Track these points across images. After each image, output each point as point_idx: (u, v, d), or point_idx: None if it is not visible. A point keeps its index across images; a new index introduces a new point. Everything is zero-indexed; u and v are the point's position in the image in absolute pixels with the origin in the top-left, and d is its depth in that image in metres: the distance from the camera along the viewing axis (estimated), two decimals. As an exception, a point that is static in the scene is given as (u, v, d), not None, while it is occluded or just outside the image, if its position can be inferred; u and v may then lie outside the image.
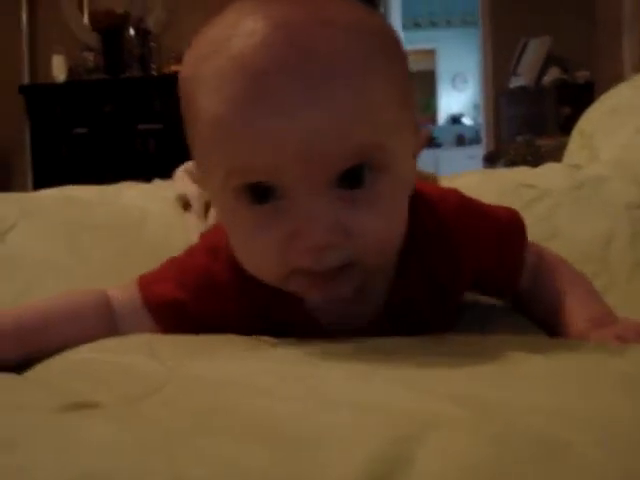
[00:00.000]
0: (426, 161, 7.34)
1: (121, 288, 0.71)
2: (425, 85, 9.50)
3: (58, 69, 4.87)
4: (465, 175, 1.38)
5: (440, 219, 0.68)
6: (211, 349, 0.55)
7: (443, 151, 9.06)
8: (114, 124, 4.65)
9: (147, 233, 1.07)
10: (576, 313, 0.67)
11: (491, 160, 4.77)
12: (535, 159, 3.82)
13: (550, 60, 5.28)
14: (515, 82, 5.54)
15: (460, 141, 9.12)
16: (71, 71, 4.88)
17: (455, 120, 9.43)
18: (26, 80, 5.02)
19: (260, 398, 0.38)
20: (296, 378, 0.42)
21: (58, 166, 4.66)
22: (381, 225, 0.57)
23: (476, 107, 8.48)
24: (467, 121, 9.31)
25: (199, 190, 1.12)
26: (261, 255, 0.57)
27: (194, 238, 1.08)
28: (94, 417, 0.35)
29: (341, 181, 0.55)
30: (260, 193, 0.55)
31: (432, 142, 9.20)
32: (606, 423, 0.32)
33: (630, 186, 0.98)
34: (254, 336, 0.60)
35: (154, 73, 4.82)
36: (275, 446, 0.31)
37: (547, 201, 1.00)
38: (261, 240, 0.56)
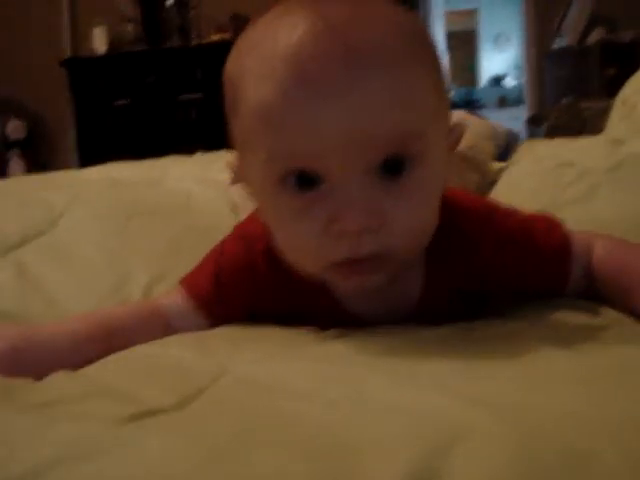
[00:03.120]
0: (468, 124, 7.19)
1: (166, 295, 0.74)
2: (466, 46, 9.39)
3: (99, 41, 4.91)
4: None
5: (476, 243, 0.69)
6: (258, 344, 0.57)
7: (485, 113, 8.94)
8: (156, 94, 4.68)
9: (193, 218, 1.10)
10: None
11: (534, 123, 4.71)
12: (579, 124, 3.77)
13: (594, 19, 5.18)
14: (559, 42, 5.45)
15: (502, 102, 9.01)
16: (112, 43, 4.91)
17: (497, 81, 9.32)
18: (68, 53, 5.06)
19: (303, 403, 0.40)
20: (338, 380, 0.44)
21: (102, 138, 4.72)
22: (415, 214, 0.58)
23: (519, 67, 8.35)
24: (510, 82, 9.18)
25: None
26: (301, 243, 0.59)
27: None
28: (152, 428, 0.38)
29: (381, 169, 0.56)
30: (303, 181, 0.57)
31: (474, 104, 9.13)
32: (636, 432, 0.34)
33: (673, 164, 0.97)
34: (297, 328, 0.63)
35: (194, 43, 4.82)
36: (315, 456, 0.33)
37: (586, 181, 1.00)
38: (302, 227, 0.58)
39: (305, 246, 0.59)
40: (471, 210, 0.71)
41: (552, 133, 4.17)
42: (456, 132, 0.66)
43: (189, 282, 0.74)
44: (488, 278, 0.70)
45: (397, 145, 0.56)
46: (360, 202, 0.56)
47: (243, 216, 1.16)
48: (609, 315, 0.62)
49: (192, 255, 0.91)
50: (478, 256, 0.68)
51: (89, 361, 0.59)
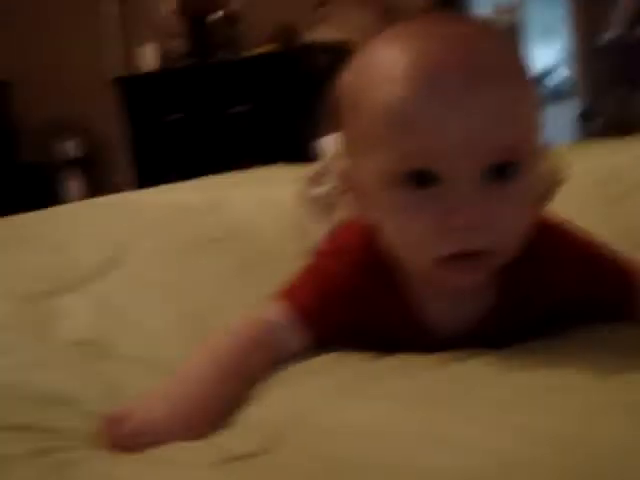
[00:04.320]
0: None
1: (271, 309, 0.76)
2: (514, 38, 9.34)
3: (149, 58, 5.00)
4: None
5: (549, 263, 0.73)
6: (338, 385, 0.61)
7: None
8: (207, 108, 4.76)
9: (258, 246, 1.15)
10: None
11: (586, 118, 4.68)
12: (630, 121, 3.74)
13: (644, 9, 5.12)
14: (609, 34, 5.39)
15: (553, 96, 8.91)
16: (162, 58, 4.99)
17: (547, 74, 9.22)
18: (119, 71, 5.18)
19: (367, 443, 0.45)
20: (400, 420, 0.49)
21: (157, 153, 4.82)
22: (516, 217, 0.65)
23: (568, 60, 8.25)
24: (560, 75, 9.08)
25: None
26: (415, 236, 0.64)
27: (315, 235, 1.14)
28: (242, 471, 0.42)
29: (490, 173, 0.62)
30: (421, 178, 0.63)
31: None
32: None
33: None
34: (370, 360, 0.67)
35: (243, 55, 4.88)
36: None
37: (634, 197, 1.02)
38: (417, 220, 0.63)
39: (418, 239, 0.64)
40: (551, 229, 0.75)
41: (607, 128, 4.15)
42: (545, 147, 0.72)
43: (292, 297, 0.76)
44: (556, 295, 0.74)
45: (505, 153, 0.62)
46: (474, 201, 0.62)
47: (311, 236, 1.20)
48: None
49: (259, 279, 0.97)
50: (549, 275, 0.73)
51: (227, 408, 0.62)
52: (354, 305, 0.75)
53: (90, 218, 1.30)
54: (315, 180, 1.23)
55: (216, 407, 0.61)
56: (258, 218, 1.28)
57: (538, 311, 0.74)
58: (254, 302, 0.84)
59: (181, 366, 0.67)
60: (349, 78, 0.69)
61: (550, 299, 0.74)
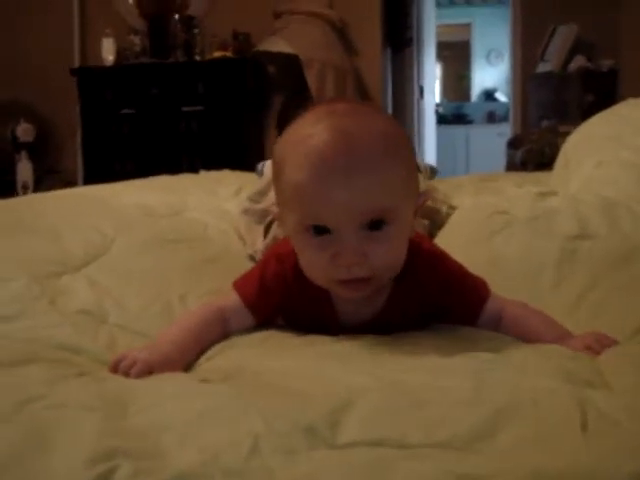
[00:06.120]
0: (457, 138, 7.35)
1: (224, 297, 1.07)
2: (460, 57, 9.65)
3: (107, 52, 5.16)
4: (462, 194, 1.71)
5: (425, 280, 1.03)
6: (266, 348, 0.92)
7: (474, 128, 9.29)
8: (159, 106, 4.96)
9: (211, 246, 1.47)
10: (543, 332, 0.98)
11: (514, 146, 5.00)
12: (552, 151, 4.07)
13: (577, 46, 5.44)
14: (543, 67, 5.71)
15: (491, 118, 9.27)
16: (119, 54, 5.16)
17: (489, 95, 9.56)
18: (77, 63, 5.35)
19: (283, 379, 0.76)
20: (304, 368, 0.81)
21: (106, 144, 5.01)
22: (387, 255, 0.93)
23: (509, 83, 8.56)
24: (501, 97, 9.40)
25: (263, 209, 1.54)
26: (316, 267, 0.95)
27: (258, 244, 1.48)
28: (210, 384, 0.73)
29: (367, 226, 0.91)
30: (318, 230, 0.91)
31: (463, 119, 9.46)
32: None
33: (573, 221, 1.29)
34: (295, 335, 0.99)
35: (197, 58, 5.09)
36: (286, 398, 0.68)
37: (512, 228, 1.32)
38: (316, 258, 0.93)
39: (319, 269, 0.94)
40: (427, 255, 1.05)
41: (527, 158, 4.50)
42: (422, 198, 1.03)
43: (241, 287, 1.06)
44: (427, 302, 1.04)
45: (378, 214, 0.90)
46: (352, 247, 0.90)
47: (249, 242, 1.50)
48: (497, 339, 0.98)
49: (211, 273, 1.26)
50: (425, 289, 1.03)
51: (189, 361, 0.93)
52: (287, 298, 1.04)
53: (74, 211, 1.58)
54: (255, 198, 1.55)
55: (182, 359, 0.91)
56: (208, 225, 1.61)
57: (415, 312, 1.04)
58: (208, 292, 1.14)
59: (159, 334, 0.97)
60: (278, 150, 0.96)
61: (423, 304, 1.04)
